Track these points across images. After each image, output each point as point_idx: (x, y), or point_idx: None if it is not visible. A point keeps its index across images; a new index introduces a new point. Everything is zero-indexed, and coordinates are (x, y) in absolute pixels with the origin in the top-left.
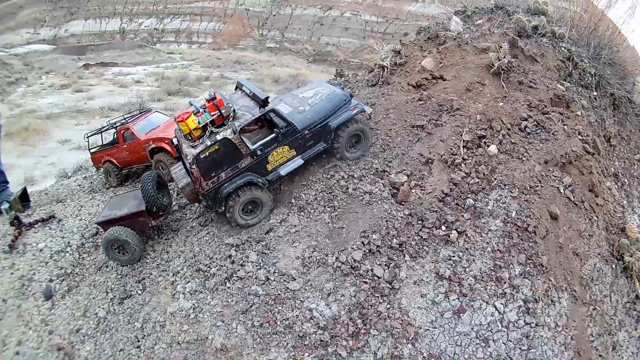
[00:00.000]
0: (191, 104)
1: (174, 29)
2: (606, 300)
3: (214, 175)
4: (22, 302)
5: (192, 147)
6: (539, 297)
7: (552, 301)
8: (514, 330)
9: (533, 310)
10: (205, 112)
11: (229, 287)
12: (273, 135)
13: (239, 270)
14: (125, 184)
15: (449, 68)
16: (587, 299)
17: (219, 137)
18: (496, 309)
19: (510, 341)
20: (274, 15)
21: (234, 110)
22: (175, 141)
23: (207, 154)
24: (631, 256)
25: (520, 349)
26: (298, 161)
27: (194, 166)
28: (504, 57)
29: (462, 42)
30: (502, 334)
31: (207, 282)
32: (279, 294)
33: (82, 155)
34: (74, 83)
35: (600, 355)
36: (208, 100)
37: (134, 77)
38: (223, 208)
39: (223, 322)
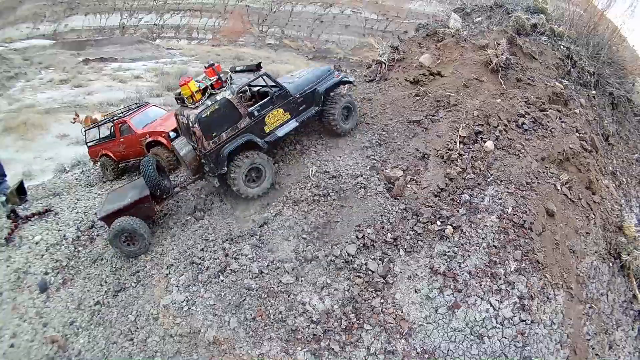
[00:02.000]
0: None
1: (173, 24)
2: (603, 298)
3: (215, 135)
4: (18, 295)
5: (194, 108)
6: (534, 294)
7: (547, 298)
8: (509, 327)
9: (528, 307)
10: (205, 78)
11: (222, 281)
12: (268, 97)
13: (232, 263)
14: (122, 177)
15: (446, 64)
16: (583, 297)
17: (218, 97)
18: (491, 305)
19: (505, 338)
20: (274, 12)
21: (231, 76)
22: (172, 135)
23: (208, 113)
24: (628, 255)
25: (515, 345)
26: (293, 124)
27: (196, 125)
28: (502, 54)
29: (461, 39)
30: (496, 331)
31: (200, 275)
32: (272, 288)
33: (80, 149)
34: (73, 78)
35: (596, 354)
36: (207, 67)
37: (133, 72)
38: (225, 169)
39: (216, 315)
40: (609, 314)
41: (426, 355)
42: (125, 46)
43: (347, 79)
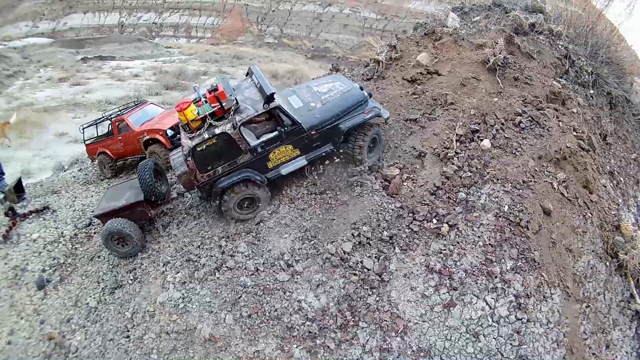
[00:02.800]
0: (195, 89)
1: (172, 23)
2: (600, 298)
3: (210, 168)
4: (15, 292)
5: (190, 138)
6: (530, 293)
7: (544, 297)
8: (504, 326)
9: (524, 305)
10: (206, 102)
11: (218, 278)
12: (276, 133)
13: (228, 260)
14: (120, 175)
15: (444, 63)
16: (580, 296)
17: (217, 130)
18: (487, 304)
19: (501, 336)
20: (273, 11)
21: (237, 102)
22: (169, 133)
23: (204, 147)
24: (626, 254)
25: (511, 344)
26: (301, 162)
27: (189, 158)
28: (500, 53)
29: (459, 38)
30: (492, 329)
31: (196, 272)
32: (268, 285)
33: (79, 148)
34: (72, 76)
35: (593, 354)
36: (210, 91)
37: (132, 70)
38: (218, 202)
39: (212, 312)
40: (606, 313)
41: (422, 354)
42: (124, 44)
43: (380, 114)
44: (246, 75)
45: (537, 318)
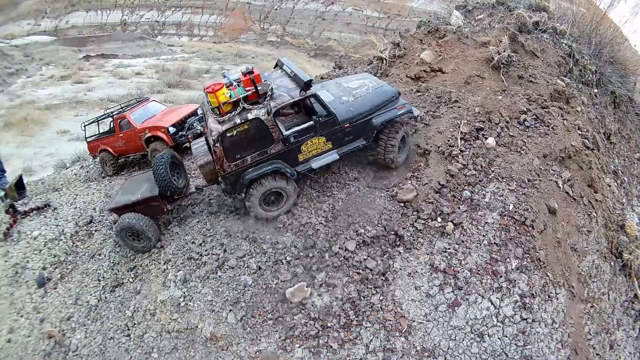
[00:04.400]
0: (224, 76)
1: (175, 21)
2: (604, 298)
3: (239, 157)
4: (15, 290)
5: (219, 122)
6: (535, 293)
7: (549, 297)
8: (509, 326)
9: (530, 305)
10: (239, 86)
11: (220, 276)
12: (310, 123)
13: (230, 259)
14: (122, 173)
15: (448, 61)
16: (584, 296)
17: (250, 115)
18: (492, 303)
19: (506, 336)
20: (276, 9)
21: (272, 89)
22: (171, 130)
23: (235, 132)
24: (630, 254)
25: (515, 344)
26: (333, 155)
27: (217, 144)
28: (504, 51)
29: (462, 36)
30: (497, 329)
31: (198, 270)
32: (270, 284)
33: (81, 145)
34: (74, 74)
35: (597, 354)
36: (244, 74)
37: (134, 69)
38: (243, 195)
39: (213, 311)
40: (610, 313)
41: (426, 354)
42: (126, 43)
43: (411, 112)
44: (275, 67)
45: (542, 318)
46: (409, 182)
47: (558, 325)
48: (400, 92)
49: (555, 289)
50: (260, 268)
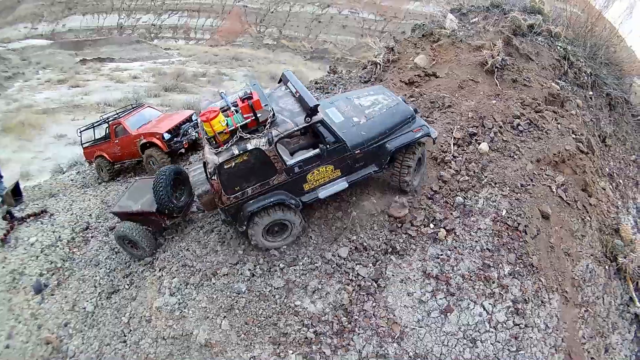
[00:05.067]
0: (222, 97)
1: (171, 25)
2: (599, 302)
3: (238, 189)
4: (13, 296)
5: (216, 153)
6: (528, 298)
7: (542, 302)
8: (502, 331)
9: (522, 311)
10: (236, 112)
11: (214, 283)
12: (317, 151)
13: (223, 266)
14: (117, 179)
15: (442, 65)
16: (578, 300)
17: (250, 146)
18: (484, 309)
19: (499, 342)
20: (272, 12)
21: (274, 114)
22: (166, 136)
23: (233, 164)
24: (625, 258)
25: (508, 350)
26: (342, 184)
27: (214, 177)
28: (498, 55)
29: (457, 40)
30: (490, 335)
31: (192, 277)
32: (263, 291)
33: (78, 150)
34: (70, 78)
35: (592, 358)
36: (242, 99)
37: (131, 72)
38: (244, 227)
39: (207, 318)
40: (604, 317)
41: (418, 359)
42: (123, 46)
43: (429, 134)
44: (279, 82)
45: (535, 323)
46: (403, 197)
47: (551, 330)
48: (418, 110)
49: (548, 294)
50: (253, 275)
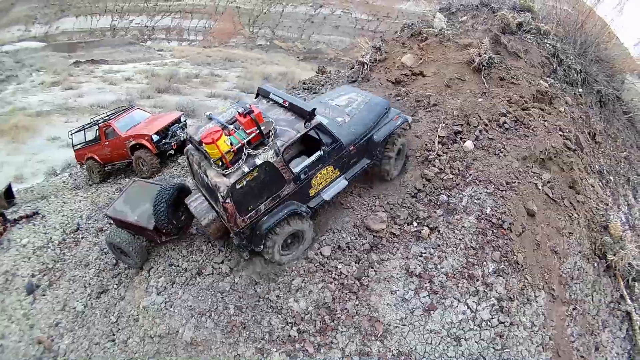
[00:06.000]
0: (210, 118)
1: (164, 26)
2: (588, 299)
3: (252, 208)
4: (6, 297)
5: (225, 175)
6: (514, 296)
7: (528, 300)
8: (486, 329)
9: (507, 309)
10: (237, 129)
11: (199, 282)
12: (318, 154)
13: (208, 265)
14: (108, 180)
15: (429, 64)
16: (566, 298)
17: (258, 160)
18: (468, 307)
19: (483, 340)
20: (265, 12)
21: (275, 127)
22: (155, 138)
23: (244, 183)
24: (614, 255)
25: (493, 348)
26: (342, 182)
27: (227, 200)
28: (485, 53)
29: (444, 39)
30: (474, 333)
31: (178, 277)
32: (246, 290)
33: (71, 152)
34: (64, 80)
35: (582, 356)
36: (243, 114)
37: (124, 74)
38: (262, 247)
39: (192, 316)
40: (594, 315)
41: (402, 357)
42: (116, 48)
43: (407, 121)
44: (256, 97)
45: (521, 321)
46: (382, 211)
47: (538, 328)
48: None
49: (534, 292)
50: (232, 270)
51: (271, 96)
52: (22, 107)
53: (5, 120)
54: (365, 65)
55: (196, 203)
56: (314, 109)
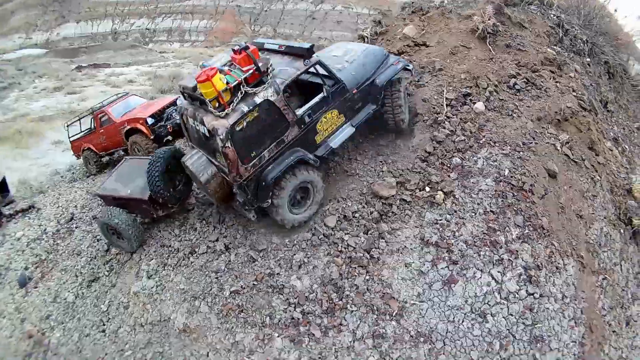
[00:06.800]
0: (203, 66)
1: (166, 28)
2: (616, 269)
3: (255, 155)
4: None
5: (222, 117)
6: (541, 264)
7: (557, 268)
8: (515, 302)
9: (536, 278)
10: (234, 68)
11: (192, 262)
12: (321, 95)
13: (202, 244)
14: (104, 171)
15: (432, 35)
16: (595, 267)
17: (258, 99)
18: (493, 278)
19: (512, 315)
20: (266, 10)
21: (272, 65)
22: (150, 121)
23: (245, 124)
24: None
25: (523, 324)
26: (349, 129)
27: (228, 144)
28: (489, 19)
29: (446, 11)
30: (501, 307)
31: (170, 258)
32: (244, 269)
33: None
34: (66, 85)
35: (614, 331)
36: (237, 51)
37: (127, 77)
38: (269, 201)
39: (185, 300)
40: (623, 286)
41: (422, 339)
42: (118, 51)
43: (407, 66)
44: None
45: (551, 292)
46: (390, 176)
47: (569, 300)
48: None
49: (563, 259)
50: (227, 247)
51: (266, 46)
52: (25, 113)
53: (8, 127)
54: (366, 39)
55: (193, 159)
56: (312, 45)
